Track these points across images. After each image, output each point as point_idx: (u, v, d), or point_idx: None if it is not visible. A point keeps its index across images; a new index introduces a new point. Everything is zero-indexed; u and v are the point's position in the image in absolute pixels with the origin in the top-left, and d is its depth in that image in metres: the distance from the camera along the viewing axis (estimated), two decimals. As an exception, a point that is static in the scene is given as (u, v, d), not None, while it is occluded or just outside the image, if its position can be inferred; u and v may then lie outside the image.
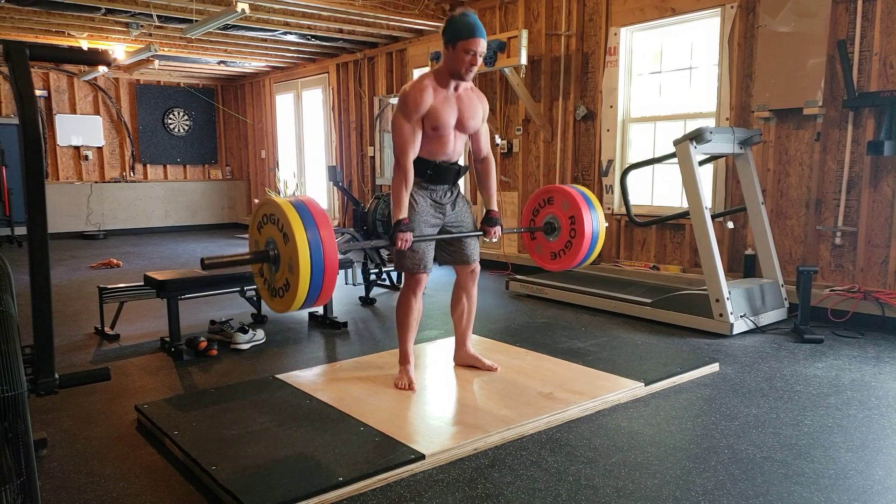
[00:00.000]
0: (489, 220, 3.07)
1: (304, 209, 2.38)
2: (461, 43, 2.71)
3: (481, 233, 3.08)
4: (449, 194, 3.02)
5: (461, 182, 3.13)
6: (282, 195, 9.72)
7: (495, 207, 3.12)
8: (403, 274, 3.06)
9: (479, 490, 2.13)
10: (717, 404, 2.90)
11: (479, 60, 2.77)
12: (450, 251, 3.10)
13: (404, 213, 2.80)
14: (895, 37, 4.03)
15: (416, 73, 7.65)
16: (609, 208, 5.68)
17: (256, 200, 10.11)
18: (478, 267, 3.18)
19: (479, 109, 2.96)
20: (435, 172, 2.91)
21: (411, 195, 2.90)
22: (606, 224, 3.46)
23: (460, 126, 2.91)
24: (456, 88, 2.87)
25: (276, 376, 3.19)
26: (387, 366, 3.28)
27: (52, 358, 1.80)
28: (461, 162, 3.03)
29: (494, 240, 3.11)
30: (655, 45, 5.46)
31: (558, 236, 3.35)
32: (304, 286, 2.33)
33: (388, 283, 5.57)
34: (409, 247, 2.82)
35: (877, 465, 2.30)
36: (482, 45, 2.74)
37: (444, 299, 4.60)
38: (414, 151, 2.82)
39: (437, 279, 5.81)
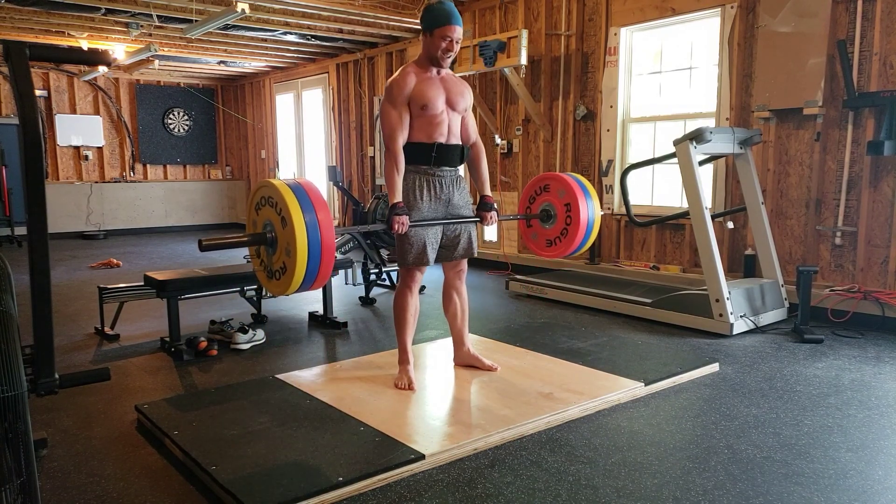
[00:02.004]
0: (485, 206, 3.09)
1: (302, 192, 2.39)
2: (437, 30, 2.80)
3: (478, 219, 3.09)
4: (454, 180, 3.03)
5: (461, 170, 3.13)
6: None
7: (489, 192, 3.15)
8: (399, 271, 3.07)
9: (479, 490, 2.13)
10: (717, 404, 2.90)
11: (456, 48, 2.85)
12: (448, 247, 3.10)
13: (399, 197, 2.83)
14: (895, 37, 4.03)
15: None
16: (609, 208, 5.68)
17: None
18: (465, 265, 3.20)
19: (465, 91, 3.01)
20: (438, 154, 2.92)
21: (414, 189, 2.93)
22: (602, 212, 3.48)
23: (450, 104, 2.94)
24: (438, 73, 2.94)
25: (276, 376, 3.19)
26: (387, 366, 3.28)
27: (52, 358, 1.80)
28: (456, 141, 3.03)
29: (492, 224, 3.13)
30: (655, 45, 5.46)
31: (554, 223, 3.36)
32: (300, 269, 2.34)
33: (388, 283, 5.57)
34: (405, 230, 2.83)
35: (877, 465, 2.30)
36: (458, 33, 2.83)
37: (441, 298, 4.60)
38: (402, 136, 2.86)
39: (437, 280, 5.80)
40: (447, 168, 2.98)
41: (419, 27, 3.00)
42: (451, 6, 2.83)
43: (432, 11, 2.83)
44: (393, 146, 2.85)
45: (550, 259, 5.99)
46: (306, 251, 2.31)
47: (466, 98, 3.01)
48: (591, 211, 3.26)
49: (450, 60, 2.89)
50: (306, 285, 2.41)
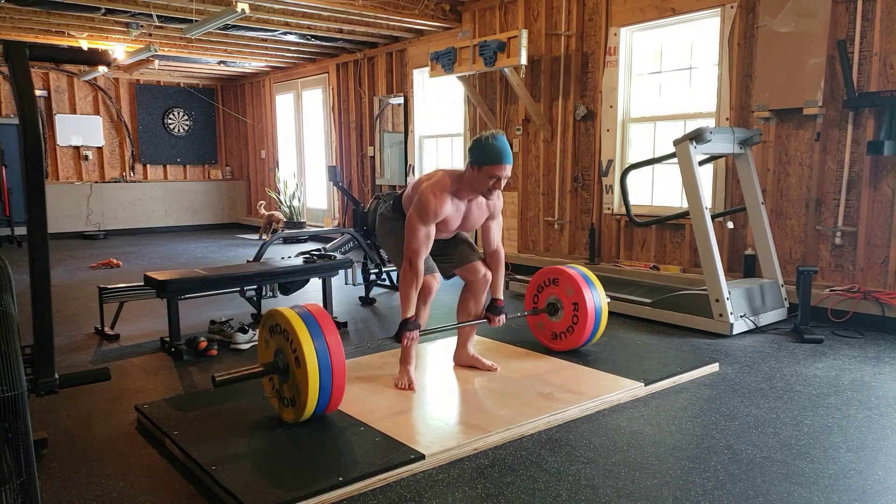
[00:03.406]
0: (494, 309, 3.15)
1: (314, 323, 2.46)
2: (487, 168, 2.73)
3: (485, 320, 3.16)
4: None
5: None
6: (281, 195, 9.74)
7: (501, 297, 3.18)
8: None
9: (479, 490, 2.13)
10: (717, 404, 2.90)
11: (503, 184, 2.80)
12: (450, 260, 3.14)
13: (412, 312, 2.86)
14: (895, 37, 4.03)
15: (416, 74, 7.66)
16: (609, 208, 5.68)
17: (263, 202, 10.11)
18: (489, 273, 3.16)
19: (484, 211, 2.99)
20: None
21: (398, 222, 2.98)
22: (609, 299, 3.59)
23: (462, 226, 2.99)
24: (471, 199, 2.91)
25: (276, 376, 3.18)
26: (387, 366, 3.28)
27: (52, 358, 1.80)
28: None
29: (498, 325, 3.18)
30: (655, 45, 5.46)
31: (561, 317, 3.49)
32: (311, 407, 2.45)
33: (388, 283, 5.57)
34: (414, 344, 2.93)
35: (877, 465, 2.30)
36: (507, 171, 2.77)
37: (443, 299, 4.60)
38: (426, 253, 2.85)
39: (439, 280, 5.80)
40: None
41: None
42: (503, 142, 2.76)
43: (483, 147, 2.74)
44: (416, 262, 2.81)
45: (551, 259, 6.00)
46: (317, 391, 2.42)
47: (484, 216, 3.00)
48: (598, 304, 3.38)
49: (495, 196, 2.86)
50: (317, 414, 2.53)
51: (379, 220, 3.22)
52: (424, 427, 2.58)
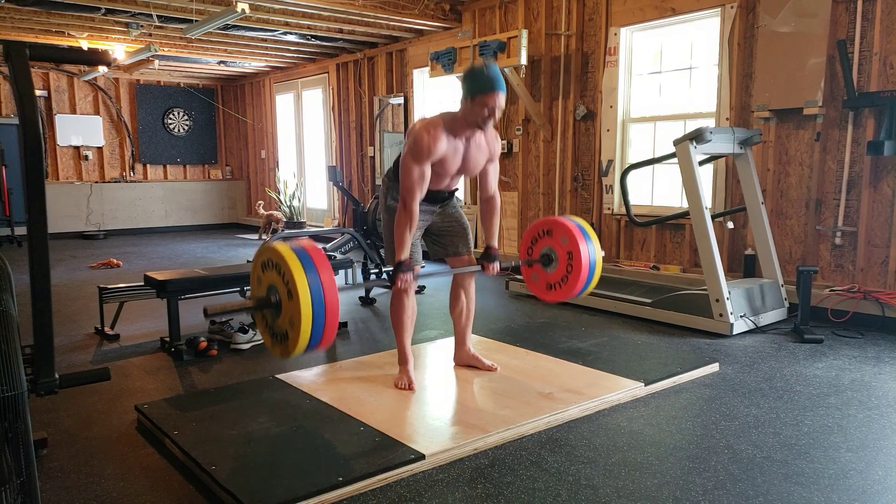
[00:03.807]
0: (488, 256, 3.09)
1: (307, 258, 2.38)
2: (480, 97, 2.69)
3: (479, 268, 3.10)
4: (438, 208, 3.07)
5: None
6: (281, 195, 9.74)
7: (495, 244, 3.14)
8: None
9: (479, 490, 2.13)
10: (717, 404, 2.90)
11: (498, 114, 2.75)
12: (441, 244, 3.14)
13: (406, 254, 2.82)
14: (895, 37, 4.03)
15: (416, 74, 7.66)
16: (609, 208, 5.68)
17: (261, 202, 10.10)
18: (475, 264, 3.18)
19: (485, 153, 2.96)
20: (428, 196, 2.93)
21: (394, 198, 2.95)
22: (603, 253, 3.50)
23: (462, 170, 2.94)
24: (468, 136, 2.86)
25: (276, 376, 3.19)
26: (387, 366, 3.28)
27: (52, 358, 1.80)
28: (455, 186, 3.08)
29: (492, 274, 3.12)
30: (655, 45, 5.46)
31: (555, 268, 3.37)
32: (304, 340, 2.36)
33: (388, 282, 5.57)
34: (408, 287, 2.87)
35: (877, 465, 2.30)
36: (502, 100, 2.71)
37: (443, 299, 4.61)
38: (422, 194, 2.81)
39: (437, 279, 5.80)
40: (428, 205, 3.01)
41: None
42: (496, 71, 2.71)
43: (476, 77, 2.70)
44: (411, 203, 2.78)
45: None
46: (310, 324, 2.32)
47: (484, 160, 2.97)
48: (592, 256, 3.27)
49: (490, 126, 2.81)
50: (310, 349, 2.45)
51: (380, 198, 3.17)
52: (424, 427, 2.58)
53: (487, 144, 2.94)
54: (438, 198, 3.04)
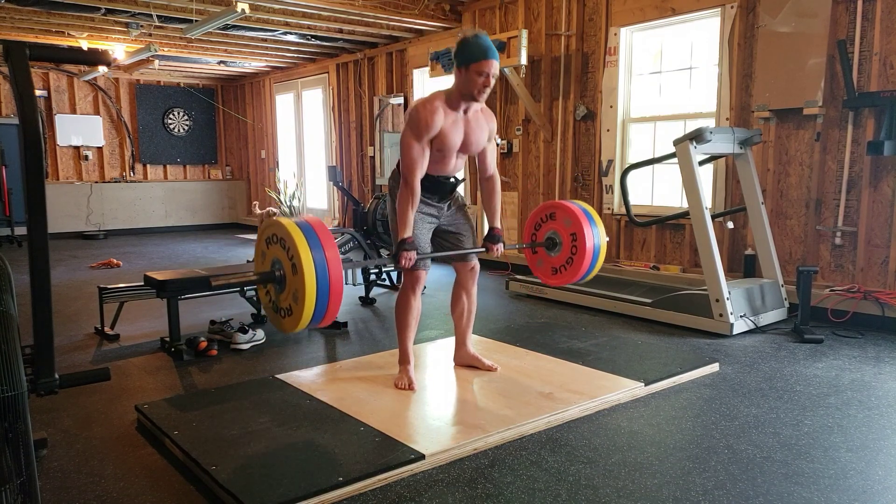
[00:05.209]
0: (491, 237, 3.09)
1: (312, 233, 2.39)
2: (474, 65, 2.69)
3: (483, 249, 3.10)
4: (445, 201, 3.05)
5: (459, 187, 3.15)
6: (281, 195, 9.73)
7: (498, 224, 3.13)
8: (402, 273, 3.07)
9: (479, 490, 2.13)
10: (717, 404, 2.90)
11: (493, 82, 2.75)
12: (446, 247, 3.12)
13: (409, 232, 2.81)
14: (895, 37, 4.03)
15: (417, 74, 7.66)
16: (609, 208, 5.68)
17: (256, 202, 10.09)
18: (477, 265, 3.19)
19: (485, 131, 2.96)
20: (432, 185, 2.93)
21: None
22: (608, 238, 3.49)
23: (464, 148, 2.92)
24: (466, 111, 2.86)
25: (276, 376, 3.19)
26: (387, 366, 3.28)
27: (52, 358, 1.80)
28: (459, 175, 3.06)
29: (497, 255, 3.12)
30: (655, 45, 5.46)
31: (560, 252, 3.38)
32: (308, 314, 2.38)
33: (388, 283, 5.57)
34: (412, 265, 2.84)
35: (877, 465, 2.30)
36: (495, 67, 2.72)
37: (444, 299, 4.61)
38: (422, 171, 2.81)
39: (437, 279, 5.81)
40: (435, 195, 3.00)
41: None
42: (487, 39, 2.72)
43: (468, 45, 2.71)
44: (412, 180, 2.78)
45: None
46: (314, 298, 2.34)
47: (484, 137, 2.97)
48: (596, 239, 3.27)
49: (486, 95, 2.80)
50: (313, 325, 2.46)
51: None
52: (424, 427, 2.58)
53: (486, 121, 2.95)
54: (443, 189, 2.99)
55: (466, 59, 2.70)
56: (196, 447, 2.34)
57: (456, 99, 2.80)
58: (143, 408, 2.74)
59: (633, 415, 2.77)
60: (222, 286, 2.41)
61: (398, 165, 2.96)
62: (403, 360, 3.07)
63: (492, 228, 3.11)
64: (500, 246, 3.10)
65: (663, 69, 5.43)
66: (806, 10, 4.31)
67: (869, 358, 3.57)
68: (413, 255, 2.81)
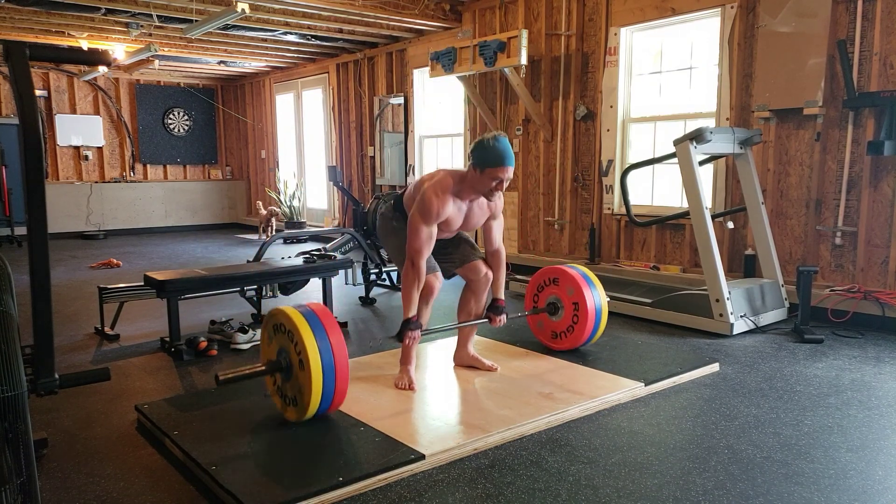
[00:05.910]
0: (495, 309, 3.15)
1: (318, 324, 2.47)
2: (490, 170, 2.76)
3: (486, 319, 3.16)
4: None
5: None
6: (281, 195, 9.74)
7: (502, 296, 3.19)
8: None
9: (479, 490, 2.13)
10: (717, 404, 2.90)
11: (505, 185, 2.83)
12: (451, 259, 3.14)
13: (413, 312, 2.87)
14: (895, 37, 4.03)
15: (417, 74, 7.66)
16: (609, 208, 5.68)
17: (259, 202, 10.10)
18: (490, 272, 3.17)
19: (486, 213, 3.01)
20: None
21: (399, 222, 3.00)
22: (608, 299, 3.60)
23: (464, 226, 3.01)
24: (472, 199, 2.93)
25: (276, 376, 3.18)
26: (387, 366, 3.28)
27: (52, 358, 1.80)
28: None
29: (499, 325, 3.18)
30: (655, 45, 5.46)
31: (561, 317, 3.50)
32: (312, 409, 2.47)
33: (388, 283, 5.57)
34: (416, 344, 2.94)
35: (877, 465, 2.30)
36: (510, 173, 2.80)
37: (445, 300, 4.60)
38: (428, 253, 2.86)
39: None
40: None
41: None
42: (506, 144, 2.79)
43: (486, 150, 2.77)
44: (418, 261, 2.83)
45: (551, 259, 6.00)
46: (320, 392, 2.42)
47: (486, 216, 3.02)
48: (598, 303, 3.39)
49: (496, 196, 2.88)
50: (319, 414, 2.54)
51: (380, 220, 3.23)
52: (424, 427, 2.58)
53: (489, 206, 3.00)
54: (441, 242, 3.08)
55: (483, 162, 2.77)
56: (196, 447, 2.34)
57: (466, 191, 2.88)
58: (143, 408, 2.74)
59: (634, 415, 2.77)
60: (231, 380, 2.48)
61: (398, 199, 3.05)
62: (405, 360, 3.07)
63: (496, 300, 3.17)
64: (504, 317, 3.17)
65: (663, 69, 5.43)
66: (806, 10, 4.31)
67: (869, 358, 3.57)
68: (417, 334, 2.90)
